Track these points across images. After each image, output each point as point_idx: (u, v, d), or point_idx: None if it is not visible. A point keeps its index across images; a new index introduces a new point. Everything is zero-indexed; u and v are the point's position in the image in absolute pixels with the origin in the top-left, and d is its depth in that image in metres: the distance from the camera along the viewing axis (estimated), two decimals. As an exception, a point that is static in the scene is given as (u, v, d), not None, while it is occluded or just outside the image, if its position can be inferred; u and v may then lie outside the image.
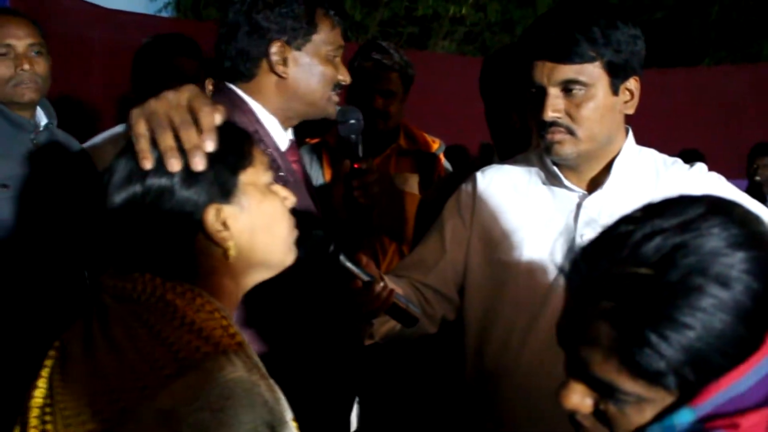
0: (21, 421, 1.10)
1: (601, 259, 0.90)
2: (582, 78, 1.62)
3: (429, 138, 3.00)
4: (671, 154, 1.85)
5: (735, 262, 0.85)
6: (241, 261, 1.13)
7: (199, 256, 1.11)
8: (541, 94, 1.64)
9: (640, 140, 1.79)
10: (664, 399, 0.88)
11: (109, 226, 1.12)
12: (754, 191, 4.72)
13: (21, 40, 2.34)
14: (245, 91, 1.76)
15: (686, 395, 0.86)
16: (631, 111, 1.71)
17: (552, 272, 1.71)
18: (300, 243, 1.23)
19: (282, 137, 1.79)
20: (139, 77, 2.83)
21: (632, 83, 1.68)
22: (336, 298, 1.64)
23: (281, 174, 1.69)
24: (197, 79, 2.82)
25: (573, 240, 1.71)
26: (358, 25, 12.23)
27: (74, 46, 4.05)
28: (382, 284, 1.58)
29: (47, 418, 1.06)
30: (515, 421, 1.75)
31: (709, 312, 0.83)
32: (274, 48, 1.72)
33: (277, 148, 1.76)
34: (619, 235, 0.90)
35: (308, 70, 1.75)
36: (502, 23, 13.09)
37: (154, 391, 0.98)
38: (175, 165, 1.08)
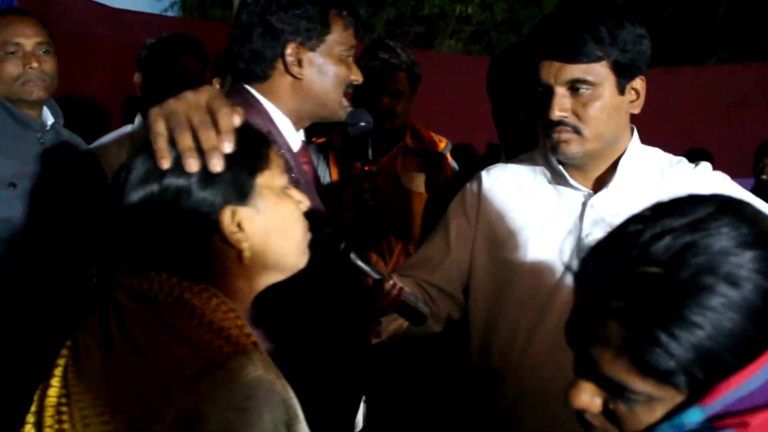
0: (35, 421, 1.10)
1: (611, 259, 0.90)
2: (589, 77, 1.62)
3: (436, 137, 3.00)
4: (678, 152, 1.85)
5: (745, 262, 0.85)
6: (255, 263, 1.13)
7: (214, 256, 1.12)
8: (548, 94, 1.64)
9: (647, 138, 1.79)
10: (674, 398, 0.88)
11: (124, 224, 1.12)
12: (760, 190, 4.71)
13: (29, 39, 2.35)
14: (259, 92, 1.76)
15: (696, 394, 0.86)
16: (637, 110, 1.71)
17: (557, 272, 1.70)
18: (311, 241, 1.23)
19: (294, 138, 1.80)
20: (144, 77, 2.83)
21: (638, 83, 1.69)
22: (345, 296, 1.64)
23: (293, 175, 1.70)
24: (202, 78, 2.83)
25: (579, 239, 1.71)
26: (365, 25, 12.23)
27: (79, 45, 4.05)
28: (392, 282, 1.58)
29: (63, 417, 1.06)
30: (520, 420, 1.75)
31: (719, 311, 0.83)
32: (290, 49, 1.73)
33: (289, 149, 1.77)
34: (629, 234, 0.90)
35: (322, 70, 1.76)
36: (508, 22, 13.11)
37: (178, 391, 0.98)
38: (193, 165, 1.08)
